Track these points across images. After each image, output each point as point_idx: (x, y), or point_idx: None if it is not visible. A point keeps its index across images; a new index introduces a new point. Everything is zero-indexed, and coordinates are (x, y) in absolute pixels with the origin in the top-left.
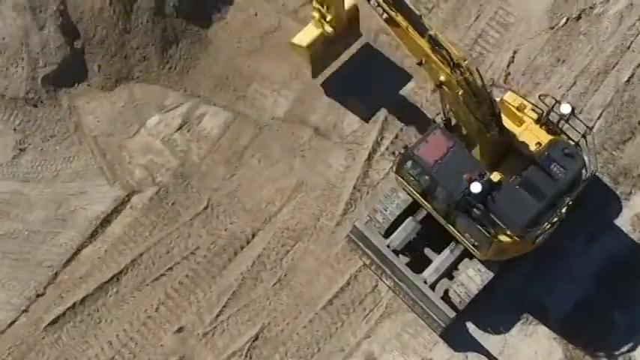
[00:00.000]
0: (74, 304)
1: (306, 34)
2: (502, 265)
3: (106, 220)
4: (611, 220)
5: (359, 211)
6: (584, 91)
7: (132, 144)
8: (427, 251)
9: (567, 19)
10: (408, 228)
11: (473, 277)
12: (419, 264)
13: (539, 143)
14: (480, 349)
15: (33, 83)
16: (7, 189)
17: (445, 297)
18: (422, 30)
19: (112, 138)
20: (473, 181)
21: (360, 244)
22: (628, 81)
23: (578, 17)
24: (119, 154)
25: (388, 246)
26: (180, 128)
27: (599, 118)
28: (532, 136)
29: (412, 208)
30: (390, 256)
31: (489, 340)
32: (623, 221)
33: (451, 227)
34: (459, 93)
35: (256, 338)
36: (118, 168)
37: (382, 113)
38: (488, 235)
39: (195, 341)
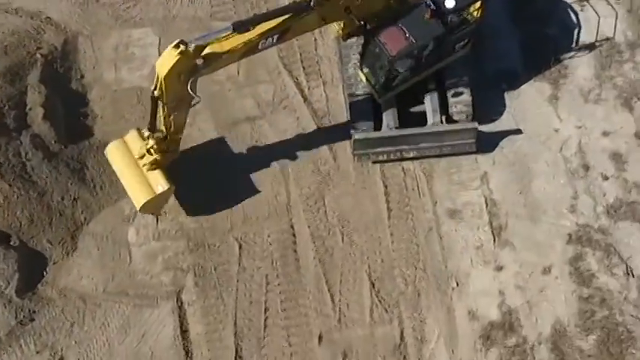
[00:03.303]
0: None
1: (156, 179)
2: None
3: None
4: None
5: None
6: None
7: (135, 264)
8: (413, 109)
9: None
10: (388, 105)
11: (461, 90)
12: (415, 123)
13: None
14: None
15: (12, 304)
16: None
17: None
18: None
19: (113, 281)
20: (432, 15)
21: (368, 150)
22: None
23: None
24: (139, 288)
25: (389, 128)
26: (156, 217)
27: None
28: None
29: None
30: (398, 133)
31: (500, 122)
32: None
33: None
34: None
35: None
36: (149, 291)
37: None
38: None
39: None
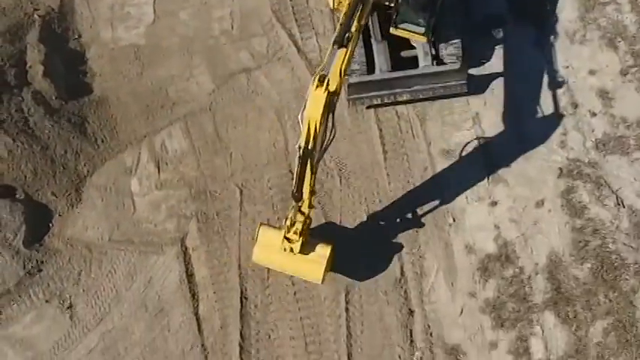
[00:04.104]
0: None
1: (315, 247)
2: None
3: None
4: None
5: None
6: None
7: (139, 213)
8: (403, 53)
9: None
10: (379, 50)
11: (449, 34)
12: (407, 67)
13: None
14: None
15: (20, 255)
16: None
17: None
18: None
19: (118, 230)
20: None
21: (362, 94)
22: None
23: None
24: (144, 236)
25: (382, 71)
26: (158, 168)
27: None
28: None
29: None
30: (391, 76)
31: (490, 65)
32: None
33: None
34: None
35: None
36: (154, 238)
37: None
38: None
39: None
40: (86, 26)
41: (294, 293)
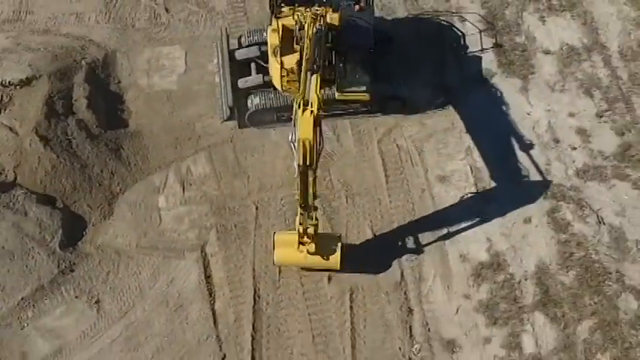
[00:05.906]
0: None
1: (326, 238)
2: None
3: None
4: None
5: None
6: None
7: (164, 225)
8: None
9: None
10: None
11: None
12: None
13: None
14: (479, 114)
15: (55, 256)
16: None
17: None
18: None
19: (145, 238)
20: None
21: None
22: None
23: None
24: (168, 243)
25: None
26: (183, 188)
27: None
28: None
29: None
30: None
31: (481, 108)
32: None
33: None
34: None
35: None
36: (177, 245)
37: None
38: None
39: None
40: (125, 74)
41: (303, 293)
